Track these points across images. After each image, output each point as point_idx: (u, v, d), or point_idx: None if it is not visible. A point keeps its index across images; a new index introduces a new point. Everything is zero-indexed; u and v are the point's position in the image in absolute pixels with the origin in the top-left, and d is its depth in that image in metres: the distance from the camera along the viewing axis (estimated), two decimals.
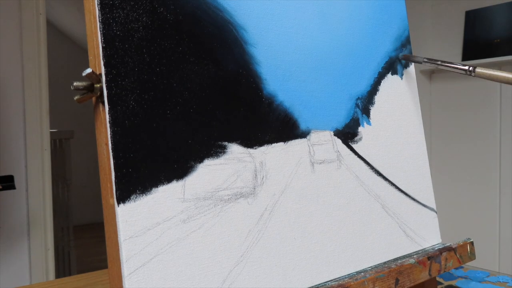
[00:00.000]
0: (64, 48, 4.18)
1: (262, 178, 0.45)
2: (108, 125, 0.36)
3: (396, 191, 0.58)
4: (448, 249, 0.58)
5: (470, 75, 0.53)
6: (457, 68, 0.56)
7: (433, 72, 2.42)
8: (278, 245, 0.45)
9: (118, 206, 0.35)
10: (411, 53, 0.64)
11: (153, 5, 0.40)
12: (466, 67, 0.54)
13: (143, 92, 0.38)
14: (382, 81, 0.59)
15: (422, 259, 0.54)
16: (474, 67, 0.53)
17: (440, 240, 0.62)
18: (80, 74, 0.37)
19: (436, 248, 0.58)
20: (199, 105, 0.41)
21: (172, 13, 0.41)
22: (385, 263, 0.54)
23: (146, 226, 0.37)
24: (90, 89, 0.38)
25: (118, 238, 0.36)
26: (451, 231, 2.27)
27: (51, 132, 1.68)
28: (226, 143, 0.43)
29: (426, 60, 0.59)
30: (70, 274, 2.37)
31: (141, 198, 0.37)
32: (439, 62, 0.58)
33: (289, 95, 0.49)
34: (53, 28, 3.97)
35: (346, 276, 0.49)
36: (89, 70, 0.38)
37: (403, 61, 0.63)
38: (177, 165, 0.39)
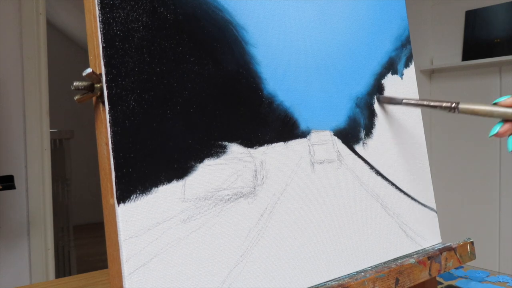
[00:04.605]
0: (64, 48, 4.18)
1: (262, 178, 0.45)
2: (108, 125, 0.36)
3: (396, 191, 0.58)
4: (448, 249, 0.58)
5: (454, 112, 0.49)
6: (439, 106, 0.51)
7: (433, 72, 2.42)
8: (278, 245, 0.45)
9: (118, 206, 0.35)
10: (411, 52, 0.64)
11: (153, 5, 0.40)
12: (449, 104, 0.50)
13: (143, 92, 0.38)
14: (382, 81, 0.59)
15: (422, 259, 0.54)
16: (458, 103, 0.50)
17: (440, 240, 0.62)
18: (80, 74, 0.37)
19: (436, 248, 0.58)
20: (199, 105, 0.41)
21: (172, 13, 0.41)
22: (385, 263, 0.54)
23: (146, 226, 0.37)
24: (90, 89, 0.38)
25: (118, 238, 0.36)
26: (451, 231, 2.27)
27: (51, 132, 1.68)
28: (226, 143, 0.43)
29: (405, 101, 0.55)
30: (70, 274, 2.37)
31: (141, 198, 0.37)
32: (419, 102, 0.54)
33: (289, 95, 0.49)
34: (53, 28, 3.97)
35: (346, 276, 0.49)
36: (89, 70, 0.37)
37: (404, 61, 0.63)
38: (177, 165, 0.39)
